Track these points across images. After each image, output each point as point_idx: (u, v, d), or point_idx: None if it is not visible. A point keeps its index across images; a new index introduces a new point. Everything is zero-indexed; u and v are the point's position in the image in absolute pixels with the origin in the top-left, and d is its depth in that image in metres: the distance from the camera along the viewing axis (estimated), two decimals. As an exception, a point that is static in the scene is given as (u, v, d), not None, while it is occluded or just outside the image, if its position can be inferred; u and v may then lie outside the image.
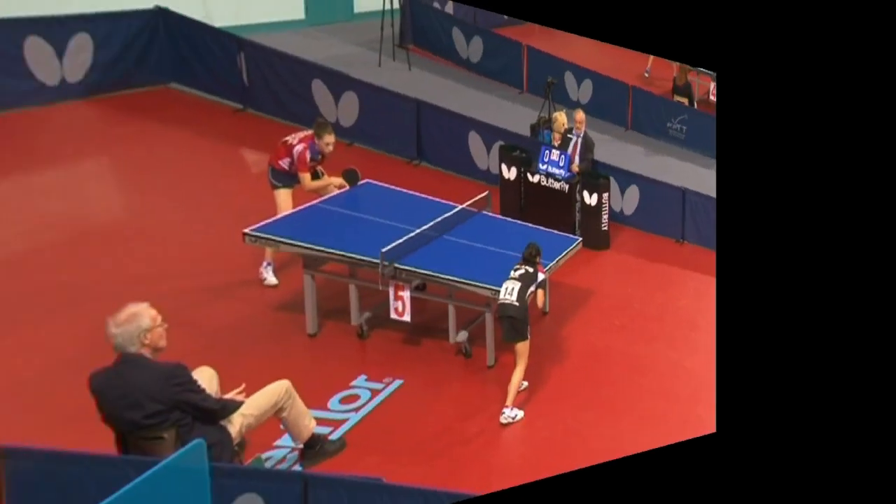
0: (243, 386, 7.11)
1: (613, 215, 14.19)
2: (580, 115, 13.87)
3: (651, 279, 13.12)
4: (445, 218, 10.55)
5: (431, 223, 10.27)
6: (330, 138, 9.90)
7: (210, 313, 9.15)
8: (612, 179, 14.11)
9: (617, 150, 16.98)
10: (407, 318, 9.36)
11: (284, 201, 10.17)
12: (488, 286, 9.71)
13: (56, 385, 7.26)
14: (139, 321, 6.14)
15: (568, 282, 12.37)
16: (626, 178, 14.70)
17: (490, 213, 11.42)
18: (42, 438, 6.60)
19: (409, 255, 9.54)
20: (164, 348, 6.33)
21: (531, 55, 18.36)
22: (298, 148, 9.93)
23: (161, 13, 12.56)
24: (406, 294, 9.31)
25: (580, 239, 11.51)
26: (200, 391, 6.45)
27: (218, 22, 14.23)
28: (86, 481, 5.90)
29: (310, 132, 10.15)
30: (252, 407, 6.94)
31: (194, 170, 11.31)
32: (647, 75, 22.47)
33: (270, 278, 10.04)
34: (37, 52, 10.67)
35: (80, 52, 11.09)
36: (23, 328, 8.05)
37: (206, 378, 6.83)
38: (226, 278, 9.84)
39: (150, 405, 6.17)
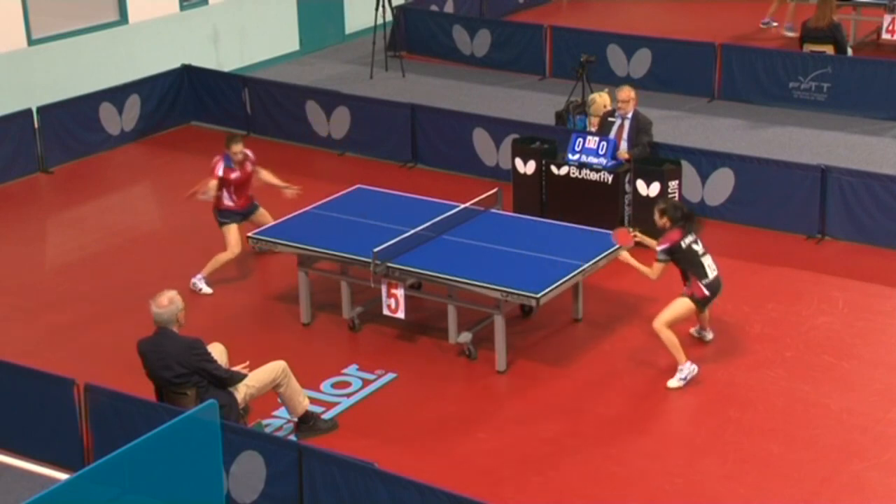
0: (247, 362, 9.39)
1: (688, 208, 12.05)
2: (624, 92, 12.89)
3: (757, 287, 11.81)
4: (445, 217, 11.15)
5: (428, 223, 10.99)
6: (236, 147, 11.94)
7: (218, 300, 11.95)
8: (683, 164, 12.94)
9: (694, 127, 15.90)
10: (401, 314, 10.50)
11: (234, 236, 12.07)
12: (494, 286, 10.01)
13: (125, 344, 10.10)
14: (177, 304, 8.97)
15: (614, 286, 11.61)
16: (711, 161, 13.22)
17: (500, 211, 11.77)
18: (112, 381, 9.48)
19: (403, 254, 10.54)
20: (185, 325, 8.99)
21: (556, 35, 18.05)
22: (214, 160, 12.03)
23: (186, 69, 17.10)
24: (399, 292, 10.47)
25: None
26: (213, 361, 8.97)
27: (228, 66, 18.57)
28: (136, 418, 8.88)
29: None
30: (254, 380, 9.22)
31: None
32: (764, 26, 20.03)
33: (205, 288, 12.12)
34: (106, 113, 16.23)
35: (132, 108, 16.49)
36: (97, 303, 12.10)
37: (217, 352, 9.25)
38: (231, 273, 12.44)
39: (177, 368, 8.79)
